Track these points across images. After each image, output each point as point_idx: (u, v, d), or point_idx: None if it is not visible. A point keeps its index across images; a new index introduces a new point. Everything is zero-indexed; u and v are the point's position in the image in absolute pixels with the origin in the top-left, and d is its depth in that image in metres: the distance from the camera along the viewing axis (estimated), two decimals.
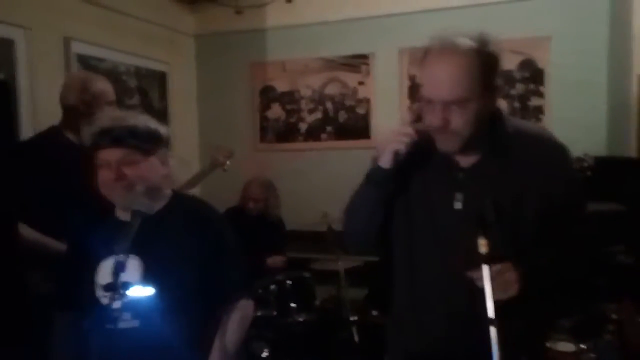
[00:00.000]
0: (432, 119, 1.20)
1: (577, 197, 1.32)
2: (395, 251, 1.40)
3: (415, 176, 1.33)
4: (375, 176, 1.29)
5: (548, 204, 1.22)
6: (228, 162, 3.16)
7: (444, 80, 1.16)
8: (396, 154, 1.24)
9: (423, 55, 1.23)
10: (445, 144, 1.23)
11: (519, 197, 1.22)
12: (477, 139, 1.23)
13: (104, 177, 1.43)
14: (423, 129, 1.26)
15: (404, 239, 1.36)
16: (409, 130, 1.24)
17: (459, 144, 1.22)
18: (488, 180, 1.25)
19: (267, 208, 3.40)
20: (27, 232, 2.01)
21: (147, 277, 1.45)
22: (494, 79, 1.21)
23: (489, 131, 1.25)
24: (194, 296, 1.49)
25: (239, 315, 1.59)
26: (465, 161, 1.28)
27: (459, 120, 1.18)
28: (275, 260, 3.30)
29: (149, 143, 1.48)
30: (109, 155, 1.42)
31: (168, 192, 1.58)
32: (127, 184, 1.43)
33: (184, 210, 1.58)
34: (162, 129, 1.53)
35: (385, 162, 1.25)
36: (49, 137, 2.23)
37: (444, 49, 1.18)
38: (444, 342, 1.29)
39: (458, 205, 1.26)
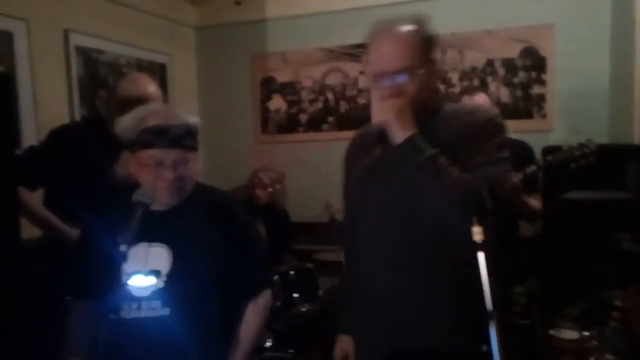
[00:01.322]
0: (385, 90, 1.29)
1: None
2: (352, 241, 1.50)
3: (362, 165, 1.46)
4: None
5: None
6: (277, 186, 3.10)
7: (391, 52, 1.29)
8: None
9: (368, 41, 1.35)
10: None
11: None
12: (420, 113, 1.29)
13: (158, 177, 1.43)
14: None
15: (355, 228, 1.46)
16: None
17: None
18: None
19: (275, 197, 3.39)
20: (39, 208, 2.09)
21: (175, 266, 1.46)
22: (432, 53, 1.34)
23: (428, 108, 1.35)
24: (221, 285, 1.51)
25: (262, 305, 1.62)
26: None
27: (410, 88, 1.28)
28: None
29: (196, 141, 1.51)
30: (166, 155, 1.42)
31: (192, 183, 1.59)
32: (181, 184, 1.45)
33: (209, 201, 1.59)
34: (199, 121, 1.54)
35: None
36: (87, 125, 2.34)
37: (387, 29, 1.32)
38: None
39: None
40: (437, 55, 1.36)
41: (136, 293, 1.43)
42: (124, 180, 1.48)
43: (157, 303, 1.43)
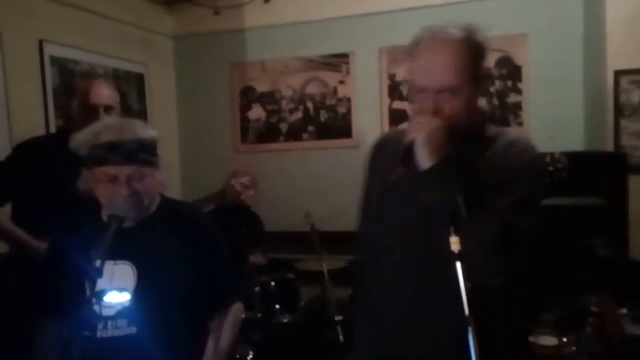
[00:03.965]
0: (424, 106, 1.20)
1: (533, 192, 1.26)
2: (369, 250, 1.41)
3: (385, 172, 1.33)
4: None
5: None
6: (250, 192, 3.09)
7: (437, 68, 1.18)
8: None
9: (413, 46, 1.24)
10: None
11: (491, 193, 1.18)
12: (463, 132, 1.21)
13: (113, 192, 1.40)
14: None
15: (375, 236, 1.37)
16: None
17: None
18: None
19: (249, 200, 3.40)
20: (5, 223, 2.06)
21: (140, 283, 1.43)
22: (481, 68, 1.24)
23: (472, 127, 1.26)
24: (189, 300, 1.48)
25: (232, 318, 1.60)
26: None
27: (451, 107, 1.19)
28: (257, 259, 3.27)
29: (154, 155, 1.47)
30: (120, 171, 1.39)
31: (158, 196, 1.56)
32: (137, 199, 1.42)
33: (175, 214, 1.57)
34: (156, 135, 1.50)
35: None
36: (55, 138, 2.30)
37: (436, 38, 1.21)
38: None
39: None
40: (485, 68, 1.26)
41: (101, 312, 1.40)
42: (86, 194, 1.45)
43: (122, 322, 1.41)
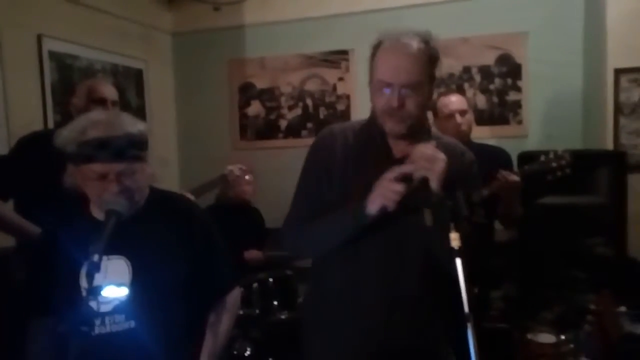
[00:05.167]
0: (388, 101, 1.34)
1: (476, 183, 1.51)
2: None
3: (351, 166, 1.44)
4: (360, 220, 1.34)
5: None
6: (247, 177, 3.12)
7: (403, 66, 1.32)
8: (384, 208, 1.28)
9: (375, 47, 1.40)
10: (395, 125, 1.37)
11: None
12: (417, 129, 1.39)
13: (103, 189, 1.37)
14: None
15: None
16: (399, 188, 1.26)
17: (407, 126, 1.36)
18: None
19: (247, 195, 3.40)
20: (11, 215, 2.07)
21: (136, 277, 1.42)
22: (435, 70, 1.39)
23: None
24: (186, 290, 1.48)
25: (230, 306, 1.60)
26: (399, 151, 1.41)
27: (412, 103, 1.33)
28: (251, 255, 3.27)
29: (144, 150, 1.44)
30: (109, 168, 1.35)
31: (146, 188, 1.55)
32: (128, 195, 1.39)
33: (166, 206, 1.55)
34: (145, 128, 1.47)
35: (373, 210, 1.30)
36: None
37: (399, 41, 1.35)
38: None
39: None
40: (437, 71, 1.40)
41: (98, 308, 1.39)
42: (74, 190, 1.42)
43: (120, 317, 1.40)
